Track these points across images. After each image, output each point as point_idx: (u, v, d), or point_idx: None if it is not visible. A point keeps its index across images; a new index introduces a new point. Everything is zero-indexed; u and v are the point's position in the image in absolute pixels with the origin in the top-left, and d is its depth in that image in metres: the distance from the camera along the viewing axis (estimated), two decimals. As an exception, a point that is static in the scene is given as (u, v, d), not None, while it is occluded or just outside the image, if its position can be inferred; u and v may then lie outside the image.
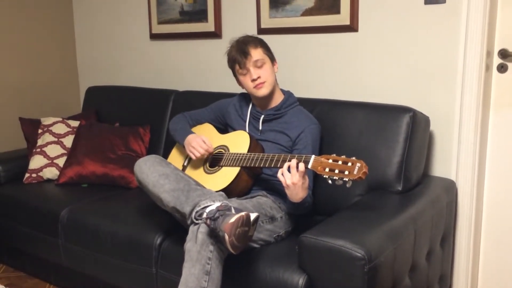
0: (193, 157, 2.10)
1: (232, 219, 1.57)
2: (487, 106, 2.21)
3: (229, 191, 1.95)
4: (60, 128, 2.87)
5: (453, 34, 2.15)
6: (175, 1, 2.99)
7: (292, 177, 1.75)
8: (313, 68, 2.56)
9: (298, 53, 2.59)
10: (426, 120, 2.14)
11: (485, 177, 2.27)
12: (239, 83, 2.13)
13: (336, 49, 2.47)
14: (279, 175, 1.78)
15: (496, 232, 2.29)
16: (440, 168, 2.27)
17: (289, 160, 1.77)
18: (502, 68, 2.17)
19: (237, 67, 2.07)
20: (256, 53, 2.03)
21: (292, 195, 1.80)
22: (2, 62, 3.20)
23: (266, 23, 2.65)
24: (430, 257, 2.00)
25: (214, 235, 1.66)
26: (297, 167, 1.73)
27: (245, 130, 2.14)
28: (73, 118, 3.00)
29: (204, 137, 2.11)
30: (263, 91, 2.05)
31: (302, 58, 2.58)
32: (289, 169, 1.75)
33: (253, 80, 2.03)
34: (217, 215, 1.63)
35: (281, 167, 1.78)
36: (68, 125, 2.89)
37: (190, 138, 2.14)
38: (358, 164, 1.65)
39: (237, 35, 2.13)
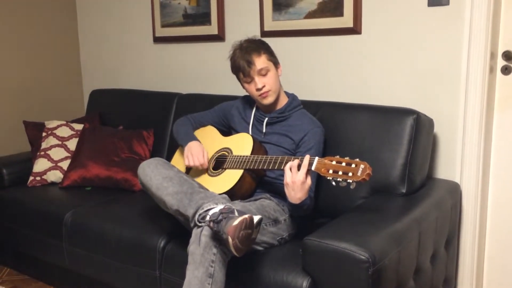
0: (186, 163, 2.11)
1: (236, 222, 1.57)
2: (491, 108, 2.20)
3: (233, 193, 1.94)
4: (64, 131, 2.87)
5: (456, 36, 2.14)
6: (179, 4, 2.99)
7: (292, 175, 1.75)
8: (317, 70, 2.56)
9: (301, 55, 2.59)
10: (430, 122, 2.14)
11: (490, 179, 2.26)
12: (244, 88, 2.13)
13: (339, 51, 2.47)
14: (286, 168, 1.78)
15: (501, 234, 2.28)
16: (444, 170, 2.26)
17: (293, 161, 1.78)
18: (506, 70, 2.16)
19: (241, 75, 2.07)
20: (260, 61, 2.03)
21: (290, 195, 1.80)
22: (6, 65, 3.21)
23: (269, 25, 2.65)
24: (435, 259, 1.99)
25: (217, 237, 1.66)
26: (299, 167, 1.74)
27: (248, 133, 2.14)
28: (77, 121, 3.01)
29: (205, 151, 2.12)
30: (268, 100, 2.06)
31: (305, 60, 2.58)
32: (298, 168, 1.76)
33: (258, 89, 2.04)
34: (220, 217, 1.63)
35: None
36: (72, 128, 2.89)
37: (192, 145, 2.14)
38: (362, 166, 1.65)
39: (241, 38, 2.13)
